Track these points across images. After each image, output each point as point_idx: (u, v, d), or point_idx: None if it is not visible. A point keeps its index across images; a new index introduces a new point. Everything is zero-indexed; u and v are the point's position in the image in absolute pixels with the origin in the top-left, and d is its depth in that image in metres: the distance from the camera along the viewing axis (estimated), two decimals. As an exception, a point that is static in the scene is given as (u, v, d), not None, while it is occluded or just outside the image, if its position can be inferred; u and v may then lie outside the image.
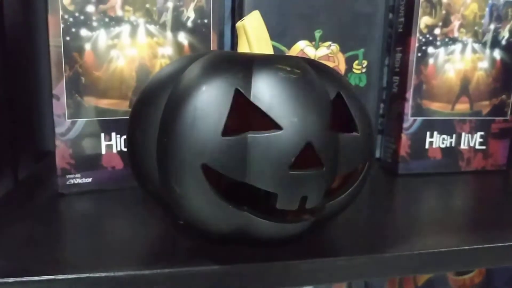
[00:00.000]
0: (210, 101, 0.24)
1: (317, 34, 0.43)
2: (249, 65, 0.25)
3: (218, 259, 0.27)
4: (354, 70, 0.45)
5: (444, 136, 0.48)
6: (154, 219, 0.33)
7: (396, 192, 0.44)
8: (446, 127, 0.48)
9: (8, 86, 0.44)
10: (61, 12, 0.34)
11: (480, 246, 0.30)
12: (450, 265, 0.30)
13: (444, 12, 0.45)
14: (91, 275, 0.24)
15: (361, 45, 0.44)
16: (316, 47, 0.43)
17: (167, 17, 0.38)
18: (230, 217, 0.25)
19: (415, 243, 0.30)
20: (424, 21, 0.45)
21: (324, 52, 0.43)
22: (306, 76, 0.26)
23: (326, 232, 0.32)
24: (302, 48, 0.42)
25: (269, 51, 0.30)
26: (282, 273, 0.27)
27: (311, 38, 0.42)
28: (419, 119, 0.47)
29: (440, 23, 0.46)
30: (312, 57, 0.43)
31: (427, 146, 0.48)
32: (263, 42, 0.30)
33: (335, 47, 0.43)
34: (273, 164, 0.24)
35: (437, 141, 0.48)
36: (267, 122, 0.24)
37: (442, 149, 0.48)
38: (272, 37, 0.41)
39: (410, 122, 0.47)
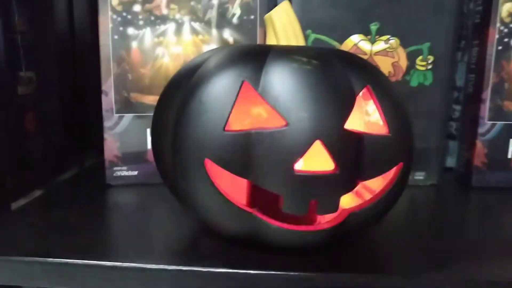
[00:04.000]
0: (215, 94, 0.23)
1: (374, 27, 0.39)
2: (263, 56, 0.24)
3: (229, 261, 0.25)
4: (417, 66, 0.40)
5: (533, 144, 0.40)
6: (184, 215, 0.32)
7: (467, 207, 0.38)
8: (536, 134, 0.40)
9: (77, 86, 0.48)
10: (109, 13, 0.36)
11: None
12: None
13: (535, -4, 0.38)
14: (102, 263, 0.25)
15: (427, 38, 0.39)
16: (372, 42, 0.39)
17: (212, 14, 0.38)
18: (237, 217, 0.24)
19: (471, 268, 0.25)
20: (506, 8, 0.38)
21: (381, 46, 0.39)
22: (324, 68, 0.23)
23: (368, 246, 0.28)
24: (356, 42, 0.39)
25: (299, 43, 0.28)
26: (295, 285, 0.25)
27: (366, 32, 0.39)
28: (499, 123, 0.40)
29: (530, 10, 0.38)
30: (368, 52, 0.39)
31: (509, 155, 0.40)
32: (291, 34, 0.28)
33: (394, 41, 0.39)
34: (277, 163, 0.22)
35: (523, 150, 0.40)
36: (277, 117, 0.22)
37: (529, 160, 0.41)
38: (323, 32, 0.39)
39: (488, 126, 0.40)
